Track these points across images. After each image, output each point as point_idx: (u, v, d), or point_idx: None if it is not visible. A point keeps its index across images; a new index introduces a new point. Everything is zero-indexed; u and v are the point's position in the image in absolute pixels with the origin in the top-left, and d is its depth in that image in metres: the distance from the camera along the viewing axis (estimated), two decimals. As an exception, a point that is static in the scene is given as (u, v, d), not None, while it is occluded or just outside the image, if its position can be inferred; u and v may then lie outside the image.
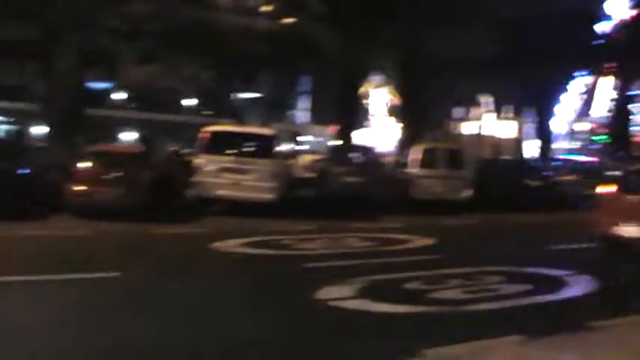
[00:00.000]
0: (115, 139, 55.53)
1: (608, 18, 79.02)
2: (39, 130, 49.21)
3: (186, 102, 58.55)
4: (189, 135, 52.03)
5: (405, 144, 36.09)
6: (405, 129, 42.52)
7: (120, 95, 64.42)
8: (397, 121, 49.17)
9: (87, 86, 30.83)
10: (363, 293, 11.06)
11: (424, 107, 41.00)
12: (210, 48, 36.92)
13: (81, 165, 20.16)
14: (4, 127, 64.25)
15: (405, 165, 27.19)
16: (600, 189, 17.17)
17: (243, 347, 8.07)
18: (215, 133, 22.36)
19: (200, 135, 22.79)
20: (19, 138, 55.14)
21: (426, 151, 26.71)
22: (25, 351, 7.69)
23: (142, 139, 47.38)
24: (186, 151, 32.28)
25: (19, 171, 19.75)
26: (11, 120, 63.15)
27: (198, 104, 52.55)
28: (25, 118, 58.30)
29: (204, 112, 44.64)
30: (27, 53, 43.78)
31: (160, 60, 42.90)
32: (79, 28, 27.49)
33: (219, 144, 21.66)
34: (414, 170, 26.18)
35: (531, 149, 69.88)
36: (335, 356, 8.05)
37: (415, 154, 26.81)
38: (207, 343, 8.23)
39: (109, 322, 8.95)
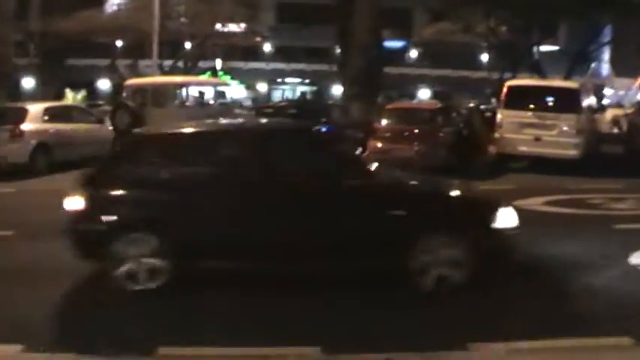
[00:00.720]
0: (411, 96, 56.28)
1: None
2: (337, 89, 51.02)
3: (483, 57, 57.81)
4: (487, 91, 51.47)
5: None
6: None
7: (414, 53, 65.03)
8: None
9: (383, 45, 31.01)
10: (685, 260, 10.10)
11: None
12: (505, 1, 35.82)
13: (381, 123, 20.36)
14: (305, 87, 67.60)
15: None
16: None
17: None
18: (516, 88, 21.61)
19: (500, 90, 22.16)
20: (318, 98, 57.57)
21: None
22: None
23: (442, 96, 47.42)
24: (484, 107, 31.72)
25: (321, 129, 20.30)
26: (310, 81, 66.21)
27: (495, 59, 51.48)
28: (323, 79, 60.84)
29: (502, 67, 43.37)
30: (327, 16, 45.18)
31: (453, 16, 42.37)
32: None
33: (520, 99, 20.88)
34: None
35: None
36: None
37: None
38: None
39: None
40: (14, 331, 7.17)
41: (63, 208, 8.81)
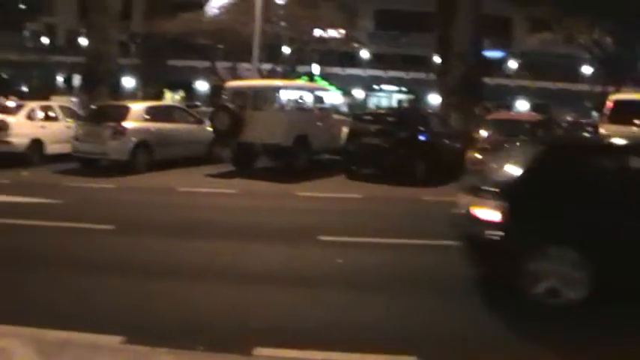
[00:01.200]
0: (508, 107, 55.33)
1: None
2: (434, 98, 50.55)
3: (584, 69, 56.48)
4: (587, 104, 50.23)
5: None
6: None
7: (513, 63, 63.97)
8: None
9: (483, 55, 30.57)
10: None
11: None
12: (610, 11, 34.84)
13: (480, 133, 19.98)
14: (402, 95, 67.27)
15: None
16: None
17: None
18: (622, 103, 20.81)
19: (603, 104, 21.46)
20: (416, 106, 57.21)
21: None
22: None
23: (540, 108, 46.49)
24: (584, 120, 30.94)
25: (420, 137, 20.11)
26: (406, 89, 65.84)
27: (598, 71, 50.19)
28: (420, 87, 60.48)
29: (605, 80, 42.17)
30: (426, 24, 44.84)
31: (556, 26, 41.46)
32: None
33: (626, 114, 20.02)
34: None
35: None
36: None
37: None
38: None
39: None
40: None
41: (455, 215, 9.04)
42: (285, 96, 20.79)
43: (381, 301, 8.40)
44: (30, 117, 22.29)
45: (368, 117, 21.88)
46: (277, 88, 20.97)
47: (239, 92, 21.57)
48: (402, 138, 19.60)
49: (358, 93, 64.39)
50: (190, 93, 62.43)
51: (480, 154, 19.08)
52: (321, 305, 8.19)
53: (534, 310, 8.08)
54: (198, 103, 47.68)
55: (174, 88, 56.10)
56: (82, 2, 46.49)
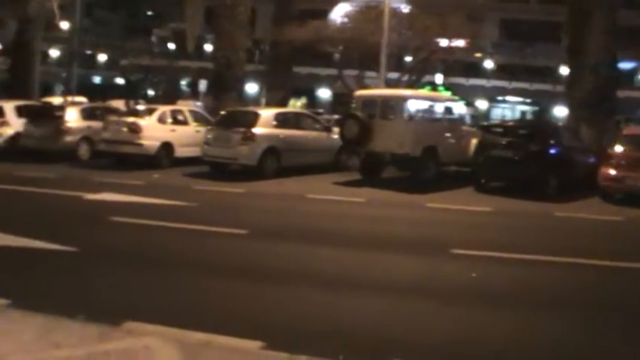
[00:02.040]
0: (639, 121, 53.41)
1: None
2: (559, 110, 49.37)
3: None
4: None
5: None
6: None
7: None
8: None
9: (617, 66, 29.48)
10: None
11: None
12: None
13: (615, 148, 19.29)
14: (526, 107, 65.88)
15: None
16: None
17: None
18: None
19: None
20: (546, 119, 55.90)
21: None
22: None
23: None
24: None
25: (551, 151, 19.63)
26: (531, 100, 64.44)
27: None
28: (545, 99, 59.13)
29: None
30: (552, 34, 43.82)
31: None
32: (606, 6, 26.46)
33: None
34: None
35: None
36: None
37: None
38: None
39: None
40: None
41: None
42: (414, 106, 20.63)
43: (514, 318, 8.20)
44: (161, 120, 22.95)
45: (497, 129, 21.48)
46: (406, 98, 20.81)
47: (368, 101, 21.52)
48: (534, 151, 19.16)
49: (481, 104, 63.47)
50: (312, 100, 62.93)
51: (615, 169, 18.47)
52: (458, 320, 8.03)
53: None
54: (321, 110, 48.01)
55: (296, 95, 56.69)
56: (209, 10, 47.44)
